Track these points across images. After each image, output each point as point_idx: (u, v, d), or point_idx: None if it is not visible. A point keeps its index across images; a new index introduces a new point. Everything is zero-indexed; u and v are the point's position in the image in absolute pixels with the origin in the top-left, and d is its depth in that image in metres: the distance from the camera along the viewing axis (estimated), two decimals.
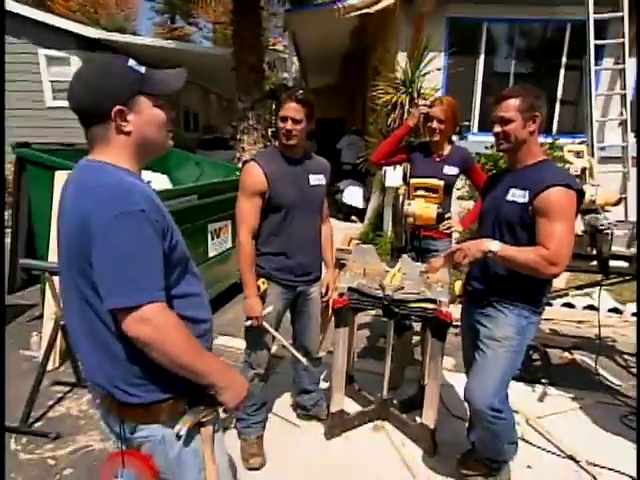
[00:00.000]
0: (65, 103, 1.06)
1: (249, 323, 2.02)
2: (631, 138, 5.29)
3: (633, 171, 5.25)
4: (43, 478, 2.08)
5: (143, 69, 1.05)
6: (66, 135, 5.57)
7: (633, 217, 4.28)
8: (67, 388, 2.76)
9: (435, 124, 2.56)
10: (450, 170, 2.63)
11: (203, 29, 28.12)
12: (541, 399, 2.73)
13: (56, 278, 2.57)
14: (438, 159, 2.66)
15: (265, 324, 2.02)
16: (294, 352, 2.16)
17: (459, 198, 5.16)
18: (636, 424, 2.42)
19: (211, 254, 3.80)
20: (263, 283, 2.04)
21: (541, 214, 1.65)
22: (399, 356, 2.82)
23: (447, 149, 2.67)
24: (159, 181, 4.17)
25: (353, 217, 7.43)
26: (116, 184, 0.98)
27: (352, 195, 7.52)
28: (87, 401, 2.63)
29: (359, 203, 7.39)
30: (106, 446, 2.23)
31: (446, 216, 2.58)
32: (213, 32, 26.66)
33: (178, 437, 1.10)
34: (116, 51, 8.72)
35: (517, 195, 1.73)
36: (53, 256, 2.92)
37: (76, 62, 8.27)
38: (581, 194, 1.71)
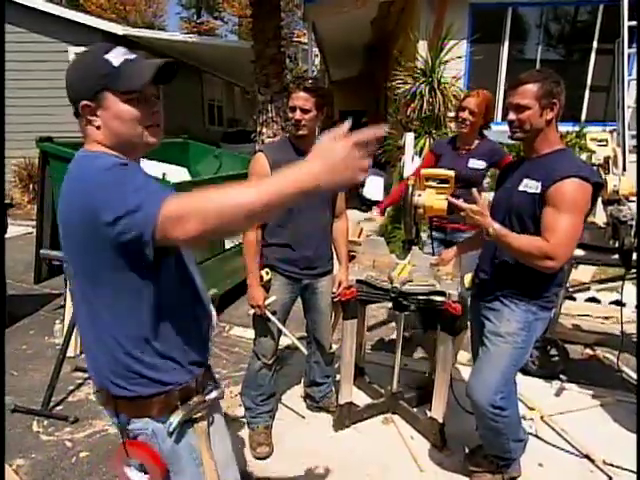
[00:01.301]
0: None
1: (252, 311, 2.05)
2: None
3: None
4: (60, 459, 2.17)
5: (118, 61, 0.99)
6: None
7: None
8: (87, 374, 2.86)
9: (466, 114, 2.52)
10: (476, 164, 2.58)
11: (228, 23, 28.35)
12: (558, 394, 2.65)
13: None
14: (464, 152, 2.62)
15: (267, 313, 2.04)
16: (295, 341, 2.18)
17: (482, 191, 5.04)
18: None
19: (227, 246, 3.85)
20: (267, 273, 2.05)
21: (549, 203, 1.58)
22: (429, 350, 2.78)
23: (475, 143, 2.63)
24: (178, 174, 4.24)
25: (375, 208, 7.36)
26: (101, 158, 0.99)
27: (372, 188, 7.44)
28: None
29: (379, 196, 7.30)
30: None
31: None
32: (238, 25, 26.80)
33: (169, 433, 1.09)
34: (142, 47, 8.89)
35: (529, 185, 1.66)
36: None
37: None
38: (598, 187, 1.62)
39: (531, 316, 1.72)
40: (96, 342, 1.06)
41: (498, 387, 1.71)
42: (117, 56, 1.00)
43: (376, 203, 7.33)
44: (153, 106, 1.04)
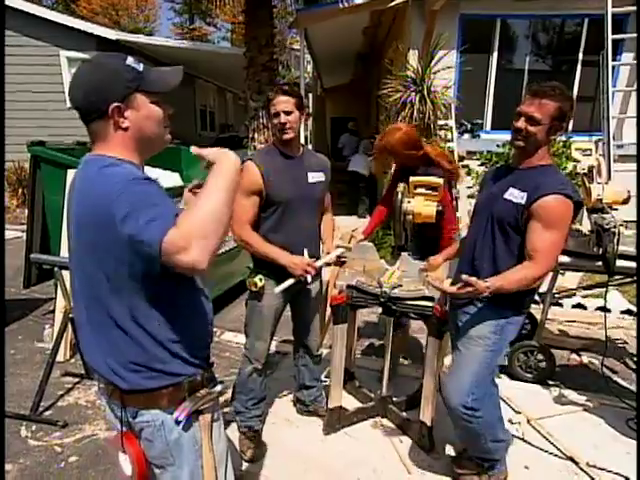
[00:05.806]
0: None
1: (310, 279, 1.99)
2: None
3: None
4: (49, 464, 2.16)
5: (141, 67, 1.07)
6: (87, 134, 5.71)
7: None
8: (76, 379, 2.86)
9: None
10: None
11: (221, 29, 28.46)
12: (544, 398, 2.70)
13: (65, 272, 2.66)
14: None
15: (318, 262, 2.05)
16: (338, 250, 2.22)
17: (469, 197, 5.12)
18: (636, 426, 2.37)
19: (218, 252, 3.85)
20: (260, 280, 2.06)
21: (536, 219, 1.64)
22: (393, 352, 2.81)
23: None
24: (171, 179, 4.25)
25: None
26: (120, 166, 1.03)
27: (354, 162, 7.54)
28: (95, 392, 2.71)
29: (361, 168, 7.39)
30: (112, 435, 2.31)
31: None
32: (231, 32, 26.90)
33: (177, 422, 1.13)
34: (134, 52, 8.90)
35: (515, 195, 1.71)
36: (65, 251, 3.02)
37: None
38: (579, 206, 1.68)
39: (503, 320, 1.77)
40: (108, 340, 1.08)
41: (470, 388, 1.75)
42: (135, 63, 1.06)
43: (361, 176, 7.43)
44: (167, 109, 1.12)
